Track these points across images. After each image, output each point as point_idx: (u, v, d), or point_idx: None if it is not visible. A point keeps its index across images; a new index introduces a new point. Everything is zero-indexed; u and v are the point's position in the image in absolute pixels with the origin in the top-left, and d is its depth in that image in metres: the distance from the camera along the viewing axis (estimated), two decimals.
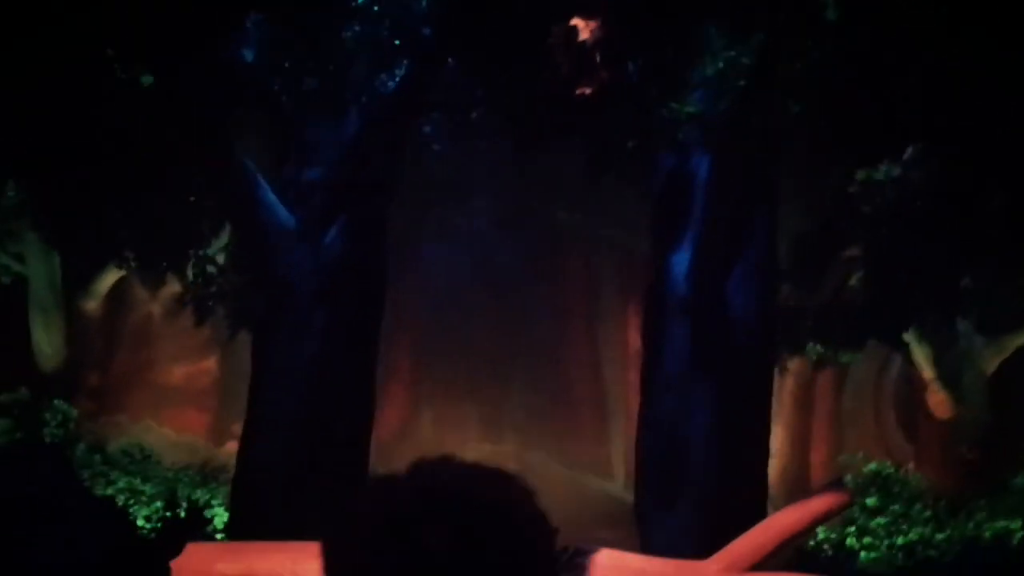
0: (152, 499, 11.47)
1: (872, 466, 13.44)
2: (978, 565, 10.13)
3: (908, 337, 12.94)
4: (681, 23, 8.50)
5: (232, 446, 11.05)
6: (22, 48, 8.22)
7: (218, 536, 9.34)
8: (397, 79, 8.97)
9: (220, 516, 10.36)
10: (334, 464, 8.83)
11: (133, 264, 11.45)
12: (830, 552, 10.95)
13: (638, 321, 10.49)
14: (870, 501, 12.45)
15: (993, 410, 13.75)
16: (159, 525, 9.68)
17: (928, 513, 12.43)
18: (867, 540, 11.54)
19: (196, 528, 9.29)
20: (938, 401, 13.81)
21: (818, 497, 6.71)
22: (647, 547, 8.65)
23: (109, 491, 11.54)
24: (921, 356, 13.58)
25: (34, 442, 11.31)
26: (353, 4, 8.90)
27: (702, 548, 6.45)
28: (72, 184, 9.61)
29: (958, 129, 8.70)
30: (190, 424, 14.59)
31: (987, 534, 11.83)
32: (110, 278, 13.84)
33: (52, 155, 9.23)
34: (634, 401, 9.67)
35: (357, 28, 8.86)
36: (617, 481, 15.37)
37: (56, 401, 12.96)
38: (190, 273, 11.47)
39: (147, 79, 8.75)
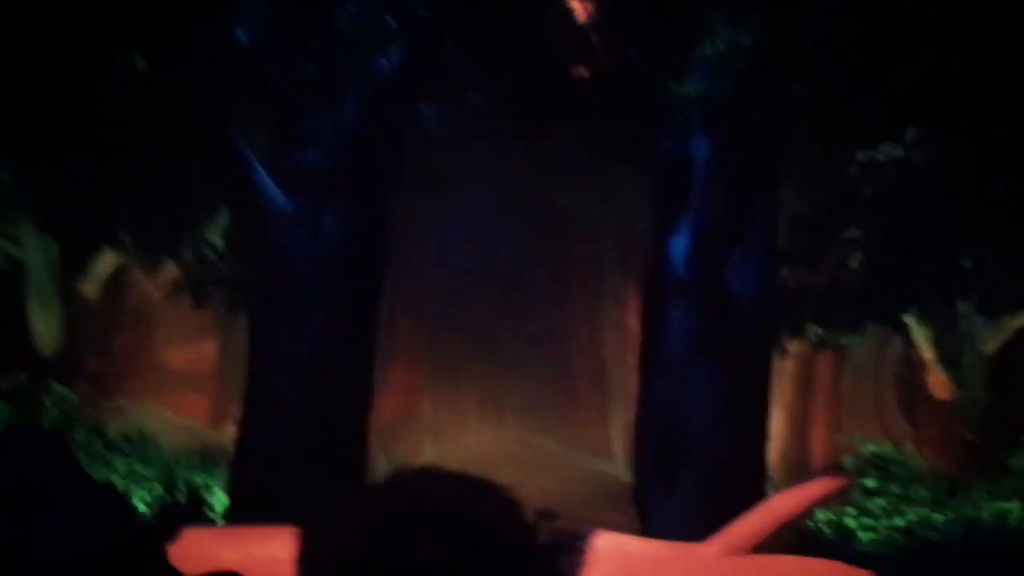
0: (152, 483, 11.48)
1: (872, 447, 13.45)
2: (977, 546, 10.14)
3: (908, 319, 12.93)
4: (680, 4, 8.46)
5: (232, 429, 11.04)
6: (15, 32, 8.17)
7: (218, 520, 9.34)
8: (395, 63, 8.92)
9: (220, 499, 10.36)
10: (333, 448, 8.83)
11: (129, 248, 11.44)
12: (829, 533, 10.96)
13: (638, 303, 10.48)
14: (869, 483, 12.46)
15: (993, 392, 13.75)
16: (159, 509, 9.68)
17: (928, 494, 12.44)
18: (866, 521, 11.56)
19: (195, 512, 9.31)
20: (938, 383, 13.82)
21: (817, 480, 6.70)
22: (646, 530, 8.67)
23: (109, 475, 11.55)
24: (921, 338, 13.58)
25: (33, 428, 11.31)
26: None
27: (701, 530, 6.44)
28: (67, 168, 9.59)
29: (959, 110, 8.67)
30: (190, 407, 14.60)
31: (986, 515, 11.84)
32: (108, 262, 13.82)
33: (46, 139, 9.21)
34: (634, 383, 9.68)
35: (354, 11, 8.81)
36: (617, 462, 15.40)
37: (55, 386, 12.96)
38: (188, 257, 11.46)
39: (142, 63, 8.71)
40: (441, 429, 15.63)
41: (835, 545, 10.52)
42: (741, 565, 6.04)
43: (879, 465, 12.99)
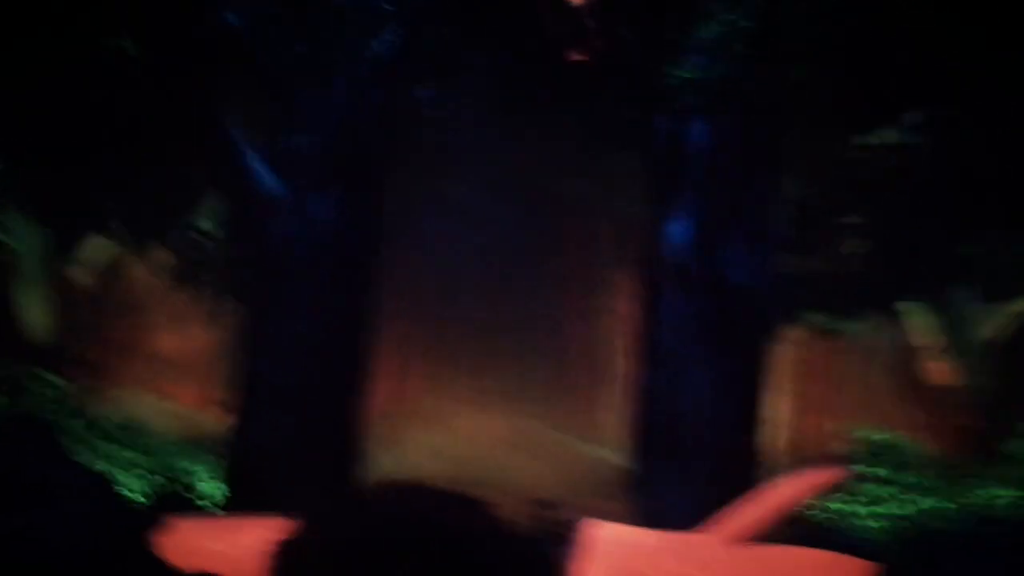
0: (144, 471, 11.42)
1: (872, 435, 13.40)
2: (980, 535, 10.07)
3: (909, 305, 12.87)
4: None
5: (225, 416, 10.97)
6: (1, 18, 8.06)
7: (210, 508, 9.27)
8: (388, 46, 8.83)
9: (213, 487, 10.30)
10: (326, 436, 8.79)
11: (118, 233, 11.38)
12: (827, 522, 10.91)
13: (634, 290, 10.40)
14: (869, 470, 12.42)
15: (995, 378, 13.71)
16: (150, 498, 9.61)
17: (929, 482, 12.40)
18: (865, 509, 11.51)
19: (187, 501, 9.24)
20: (938, 369, 13.78)
21: (816, 469, 6.62)
22: (642, 518, 8.60)
23: (101, 464, 11.47)
24: (922, 324, 13.53)
25: (23, 416, 11.25)
26: None
27: (698, 520, 6.37)
28: (55, 153, 9.51)
29: (960, 94, 8.59)
30: (182, 394, 14.51)
31: (987, 503, 11.80)
32: (98, 247, 13.74)
33: (34, 125, 9.13)
34: (629, 369, 9.61)
35: None
36: (612, 448, 15.33)
37: (45, 373, 12.88)
38: (179, 243, 11.39)
39: (131, 47, 8.61)
40: (434, 416, 15.55)
41: (833, 533, 10.46)
42: (739, 555, 5.96)
43: (879, 453, 12.94)
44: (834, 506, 11.16)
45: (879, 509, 11.52)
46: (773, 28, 8.31)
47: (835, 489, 8.24)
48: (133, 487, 10.58)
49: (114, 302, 14.56)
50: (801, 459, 13.93)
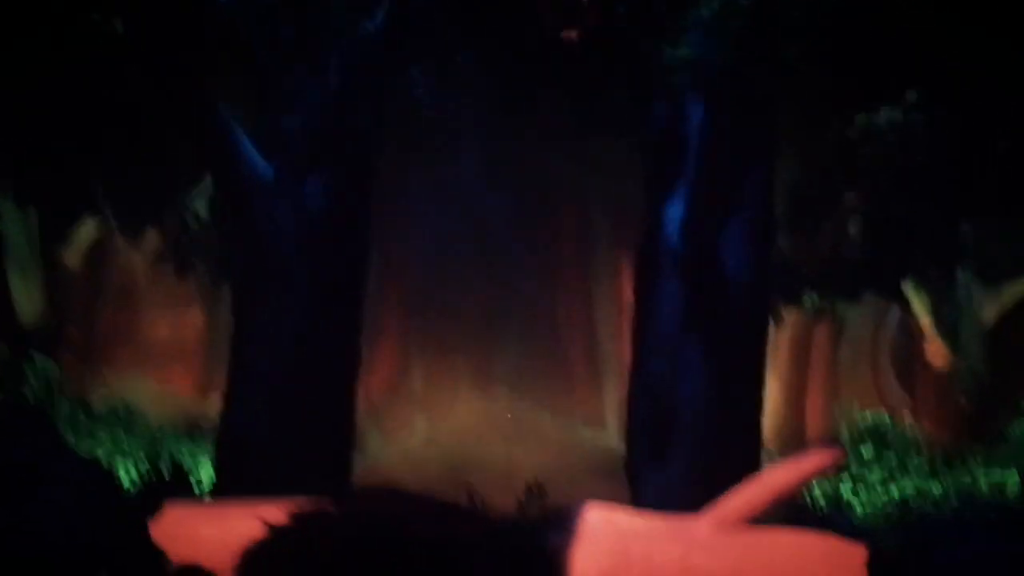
0: (137, 456, 11.37)
1: (868, 417, 13.37)
2: (974, 518, 10.05)
3: (906, 287, 12.82)
4: None
5: (218, 401, 10.91)
6: None
7: (204, 494, 9.21)
8: (379, 25, 8.73)
9: (207, 472, 10.24)
10: (319, 422, 8.71)
11: (110, 217, 11.29)
12: (824, 505, 10.88)
13: (632, 273, 10.33)
14: (865, 453, 12.39)
15: (991, 360, 13.68)
16: (144, 484, 9.55)
17: (924, 465, 12.37)
18: (862, 493, 11.48)
19: (181, 486, 9.17)
20: (936, 351, 13.74)
21: (812, 452, 6.58)
22: (639, 503, 8.54)
23: (93, 449, 11.43)
24: (919, 306, 13.49)
25: (16, 402, 11.19)
26: None
27: (694, 504, 6.32)
28: (46, 136, 9.42)
29: (960, 72, 8.51)
30: (176, 378, 14.45)
31: (982, 485, 11.77)
32: (89, 231, 13.65)
33: (24, 108, 9.04)
34: (626, 353, 9.55)
35: None
36: (610, 433, 15.30)
37: (38, 358, 12.82)
38: (170, 226, 11.30)
39: (120, 27, 8.52)
40: (432, 402, 15.50)
41: (830, 516, 10.44)
42: (735, 539, 5.92)
43: (875, 435, 12.92)
44: (824, 488, 11.13)
45: (866, 491, 11.49)
46: (770, 5, 8.20)
47: (830, 472, 8.22)
48: (126, 472, 10.53)
49: (107, 286, 14.49)
50: (793, 441, 13.92)
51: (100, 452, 11.17)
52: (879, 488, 11.66)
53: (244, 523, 5.62)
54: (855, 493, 11.42)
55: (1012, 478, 11.96)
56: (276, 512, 5.49)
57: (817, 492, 11.00)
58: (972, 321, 13.62)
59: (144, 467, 10.29)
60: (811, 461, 6.46)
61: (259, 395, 8.63)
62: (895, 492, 11.48)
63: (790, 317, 13.63)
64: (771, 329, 9.98)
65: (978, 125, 9.32)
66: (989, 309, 13.64)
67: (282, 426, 8.56)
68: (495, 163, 14.39)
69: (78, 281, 14.13)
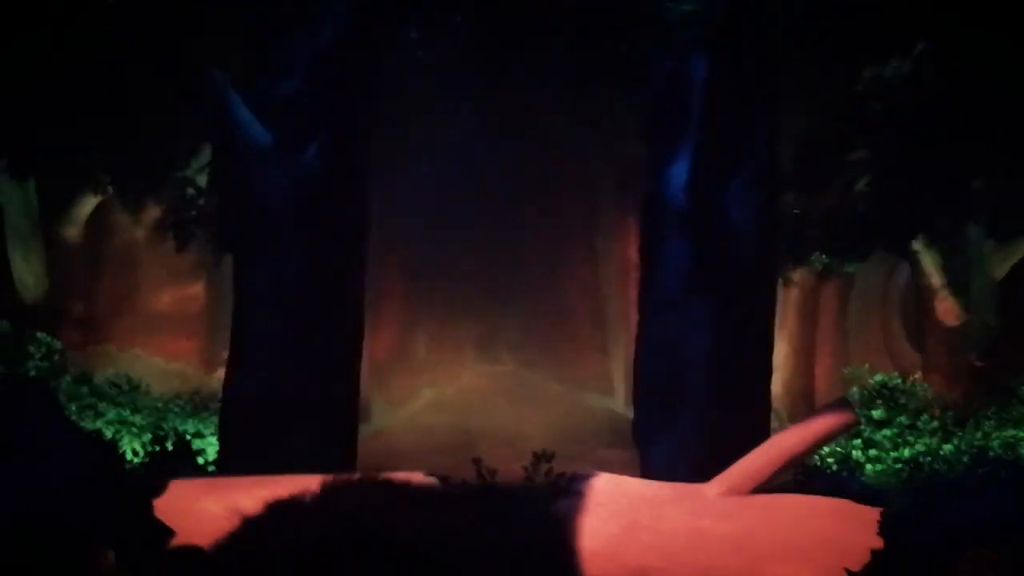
0: (142, 430, 11.29)
1: (878, 377, 13.24)
2: (986, 476, 9.95)
3: (916, 244, 12.66)
4: None
5: (223, 373, 10.83)
6: None
7: (209, 467, 9.13)
8: None
9: (211, 446, 10.16)
10: (323, 391, 8.61)
11: (109, 188, 11.17)
12: (835, 467, 10.78)
13: (637, 234, 10.18)
14: (876, 413, 12.26)
15: (1002, 316, 13.55)
16: (148, 458, 9.48)
17: (935, 424, 12.25)
18: (872, 453, 11.37)
19: (186, 460, 9.09)
20: (946, 309, 13.60)
21: (822, 417, 6.44)
22: (647, 469, 8.46)
23: (97, 423, 11.35)
24: (929, 263, 13.34)
25: (19, 377, 11.13)
26: None
27: (703, 470, 6.22)
28: (43, 109, 9.31)
29: (972, 23, 8.32)
30: (179, 351, 14.38)
31: (995, 443, 11.66)
32: (89, 203, 13.53)
33: (20, 80, 8.93)
34: (633, 316, 9.42)
35: None
36: (617, 397, 15.22)
37: (40, 333, 12.73)
38: (170, 197, 11.18)
39: None
40: (437, 367, 15.42)
41: (841, 478, 10.34)
42: (745, 505, 5.81)
43: (886, 396, 12.79)
44: (834, 449, 11.03)
45: (877, 452, 11.38)
46: None
47: (842, 435, 8.11)
48: (130, 446, 10.46)
49: (108, 258, 14.39)
50: (803, 402, 13.83)
51: (103, 428, 11.10)
52: (891, 449, 11.56)
53: (247, 497, 5.53)
54: (866, 454, 11.32)
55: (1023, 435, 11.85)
56: (278, 487, 5.41)
57: (827, 452, 10.90)
58: (983, 278, 13.48)
59: (148, 443, 10.23)
60: (822, 424, 6.34)
61: (260, 366, 8.53)
62: (906, 452, 11.37)
63: (798, 276, 13.51)
64: (779, 289, 9.84)
65: (989, 77, 9.13)
66: (1000, 265, 13.50)
67: (284, 397, 8.47)
68: (495, 123, 14.21)
69: (79, 254, 14.03)
